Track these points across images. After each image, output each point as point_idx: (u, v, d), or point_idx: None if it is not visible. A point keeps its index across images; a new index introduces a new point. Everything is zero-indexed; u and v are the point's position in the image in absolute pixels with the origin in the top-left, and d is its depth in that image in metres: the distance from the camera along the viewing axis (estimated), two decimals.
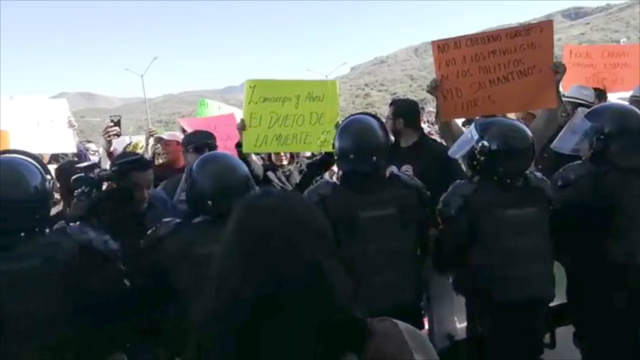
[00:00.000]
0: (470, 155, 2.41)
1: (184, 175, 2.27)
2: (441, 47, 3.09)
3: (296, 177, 3.71)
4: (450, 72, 3.09)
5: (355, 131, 2.40)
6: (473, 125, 2.44)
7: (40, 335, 1.78)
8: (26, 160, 1.92)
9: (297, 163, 3.80)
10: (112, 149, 3.66)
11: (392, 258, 2.27)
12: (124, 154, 2.93)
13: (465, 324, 2.58)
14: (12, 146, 3.78)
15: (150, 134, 4.72)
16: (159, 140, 4.21)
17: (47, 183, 1.92)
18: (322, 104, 3.37)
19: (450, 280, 2.65)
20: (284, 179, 3.70)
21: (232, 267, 0.84)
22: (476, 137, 2.36)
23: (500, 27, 3.70)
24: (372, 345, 0.80)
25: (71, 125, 3.88)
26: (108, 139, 3.63)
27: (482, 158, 2.34)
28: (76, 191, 2.33)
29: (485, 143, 2.33)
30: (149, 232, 2.14)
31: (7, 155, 1.97)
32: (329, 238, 0.87)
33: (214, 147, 3.51)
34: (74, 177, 2.37)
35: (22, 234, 1.81)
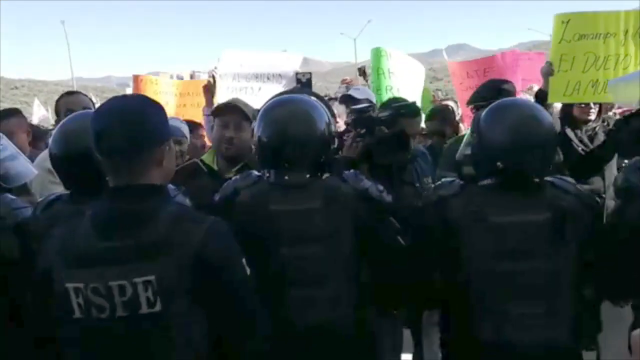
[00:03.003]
0: None
1: (469, 128, 1.96)
2: None
3: (600, 138, 2.97)
4: None
5: None
6: None
7: (319, 282, 1.72)
8: (314, 101, 1.85)
9: (603, 121, 3.04)
10: None
11: None
12: (394, 99, 2.69)
13: None
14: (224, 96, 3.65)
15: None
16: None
17: (332, 126, 1.82)
18: None
19: None
20: (586, 139, 2.97)
21: None
22: None
23: None
24: None
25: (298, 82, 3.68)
26: None
27: None
28: (349, 134, 2.22)
29: None
30: (429, 188, 1.92)
31: (296, 94, 1.94)
32: None
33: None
34: (353, 118, 2.27)
35: (308, 175, 1.76)
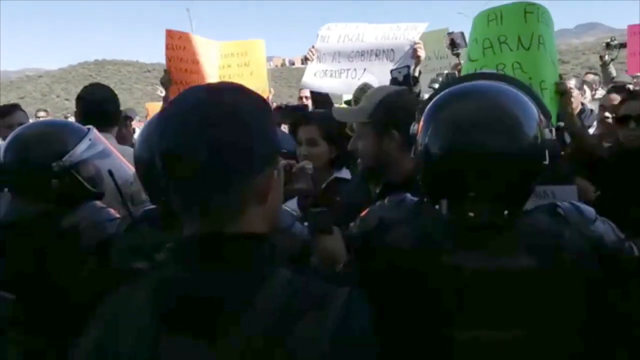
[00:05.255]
0: None
1: None
2: None
3: None
4: None
5: None
6: None
7: None
8: (517, 93, 1.16)
9: None
10: None
11: None
12: None
13: None
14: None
15: None
16: None
17: (546, 132, 1.13)
18: None
19: None
20: None
21: None
22: None
23: None
24: None
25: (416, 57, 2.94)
26: None
27: None
28: None
29: None
30: None
31: (477, 81, 1.26)
32: None
33: None
34: None
35: (506, 211, 1.09)
